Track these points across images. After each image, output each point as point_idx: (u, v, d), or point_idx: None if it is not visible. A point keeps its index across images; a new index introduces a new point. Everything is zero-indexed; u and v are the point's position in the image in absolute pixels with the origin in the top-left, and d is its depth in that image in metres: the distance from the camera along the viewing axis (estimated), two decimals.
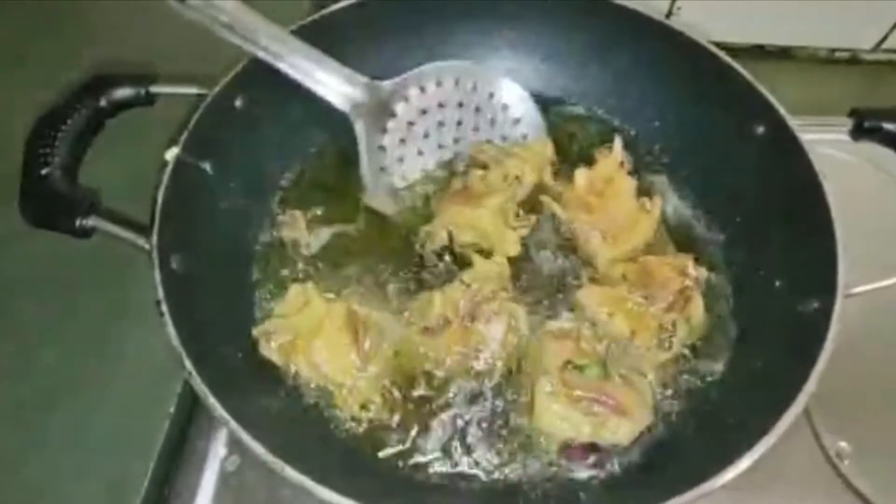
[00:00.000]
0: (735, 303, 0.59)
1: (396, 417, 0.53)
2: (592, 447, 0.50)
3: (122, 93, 0.57)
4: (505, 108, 0.66)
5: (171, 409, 0.55)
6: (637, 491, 0.47)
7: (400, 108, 0.63)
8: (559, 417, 0.49)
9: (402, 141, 0.64)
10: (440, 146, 0.66)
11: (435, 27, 0.66)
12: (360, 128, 0.62)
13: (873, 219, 0.68)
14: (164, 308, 0.47)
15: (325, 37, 0.59)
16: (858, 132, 0.58)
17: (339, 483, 0.41)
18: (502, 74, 0.66)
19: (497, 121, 0.66)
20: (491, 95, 0.65)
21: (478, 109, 0.65)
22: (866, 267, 0.50)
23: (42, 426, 0.55)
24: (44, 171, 0.53)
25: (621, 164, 0.61)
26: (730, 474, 0.43)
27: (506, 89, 0.65)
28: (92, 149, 0.57)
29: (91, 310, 0.60)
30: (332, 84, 0.59)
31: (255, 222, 0.62)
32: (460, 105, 0.65)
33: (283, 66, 0.57)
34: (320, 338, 0.52)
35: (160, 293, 0.47)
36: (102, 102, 0.57)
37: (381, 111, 0.62)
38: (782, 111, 0.57)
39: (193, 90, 0.58)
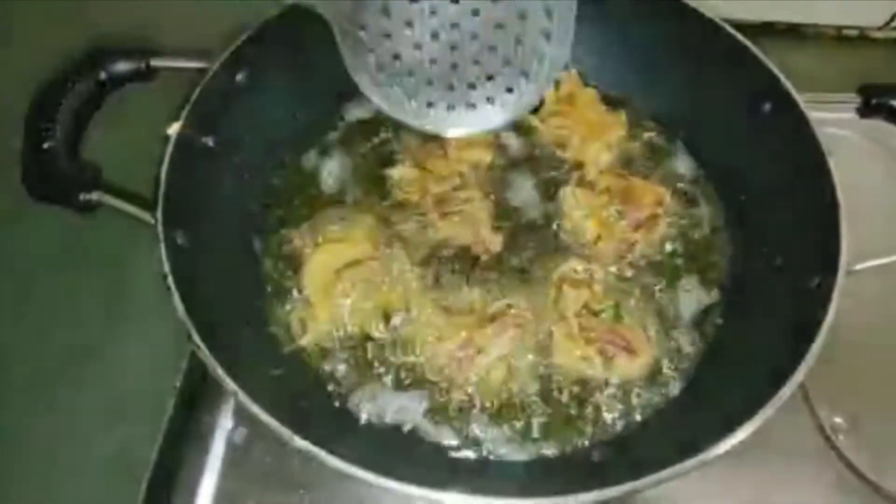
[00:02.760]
0: (735, 278, 0.59)
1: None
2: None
3: (123, 66, 0.57)
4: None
5: (178, 384, 0.56)
6: (633, 461, 0.48)
7: None
8: (577, 358, 0.53)
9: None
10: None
11: None
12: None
13: (874, 197, 0.67)
14: (171, 282, 0.47)
15: None
16: (866, 109, 0.58)
17: (347, 452, 0.42)
18: None
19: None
20: None
21: None
22: (866, 244, 0.51)
23: (50, 401, 0.56)
24: (45, 145, 0.53)
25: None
26: (725, 445, 0.43)
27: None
28: (92, 124, 0.56)
29: (97, 284, 0.60)
30: None
31: (259, 196, 0.62)
32: None
33: None
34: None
35: (166, 267, 0.47)
36: (102, 76, 0.56)
37: None
38: (790, 88, 0.57)
39: (194, 64, 0.57)
